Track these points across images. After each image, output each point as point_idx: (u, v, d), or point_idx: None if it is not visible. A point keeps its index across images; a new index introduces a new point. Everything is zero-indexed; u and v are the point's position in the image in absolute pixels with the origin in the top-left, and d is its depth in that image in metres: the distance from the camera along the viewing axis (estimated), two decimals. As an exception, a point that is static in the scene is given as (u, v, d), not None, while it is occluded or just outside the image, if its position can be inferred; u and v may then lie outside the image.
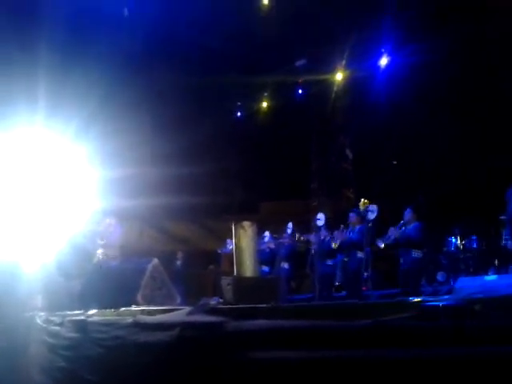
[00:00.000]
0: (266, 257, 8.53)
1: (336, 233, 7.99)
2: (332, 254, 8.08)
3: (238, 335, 1.93)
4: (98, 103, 7.93)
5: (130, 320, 3.30)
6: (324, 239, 8.17)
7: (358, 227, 7.66)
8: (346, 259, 7.81)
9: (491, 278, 5.28)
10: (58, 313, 5.11)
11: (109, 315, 4.21)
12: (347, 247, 7.68)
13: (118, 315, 4.08)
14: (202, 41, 10.28)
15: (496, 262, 7.86)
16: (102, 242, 7.18)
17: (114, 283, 5.30)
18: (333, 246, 7.88)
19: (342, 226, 8.02)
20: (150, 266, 5.24)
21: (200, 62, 10.88)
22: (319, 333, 1.49)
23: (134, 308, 4.28)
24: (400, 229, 7.22)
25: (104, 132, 8.11)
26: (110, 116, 8.49)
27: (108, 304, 4.73)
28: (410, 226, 7.18)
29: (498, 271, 7.46)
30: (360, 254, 7.26)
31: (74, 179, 7.11)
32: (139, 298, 4.92)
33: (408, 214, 7.25)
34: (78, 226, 6.94)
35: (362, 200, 7.46)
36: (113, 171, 8.17)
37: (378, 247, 7.34)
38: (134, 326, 3.18)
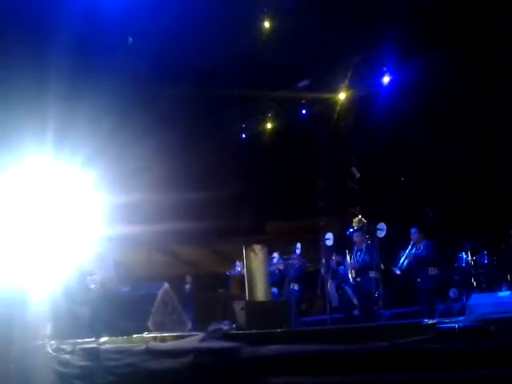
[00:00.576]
0: (275, 278, 8.47)
1: (346, 261, 7.98)
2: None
3: (252, 361, 1.92)
4: (105, 131, 8.02)
5: (142, 347, 3.29)
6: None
7: (364, 246, 7.63)
8: (358, 279, 7.74)
9: (504, 294, 5.22)
10: (68, 341, 5.09)
11: (120, 342, 4.19)
12: (359, 269, 7.62)
13: (130, 342, 4.06)
14: (205, 63, 10.41)
15: (508, 277, 7.77)
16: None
17: (124, 309, 5.28)
18: (349, 274, 7.83)
19: (346, 251, 7.99)
20: (160, 292, 5.23)
21: (203, 84, 10.99)
22: (335, 357, 1.48)
23: (145, 335, 4.26)
24: (410, 252, 7.21)
25: (111, 159, 8.18)
26: (116, 143, 8.58)
27: (119, 331, 4.71)
28: (421, 246, 7.14)
29: (510, 287, 7.36)
30: (372, 274, 7.21)
31: (82, 206, 7.16)
32: (150, 324, 4.90)
33: (415, 234, 7.22)
34: (86, 253, 6.96)
35: (357, 218, 7.48)
36: (120, 197, 8.22)
37: (395, 273, 7.32)
38: (147, 353, 3.17)
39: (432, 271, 6.96)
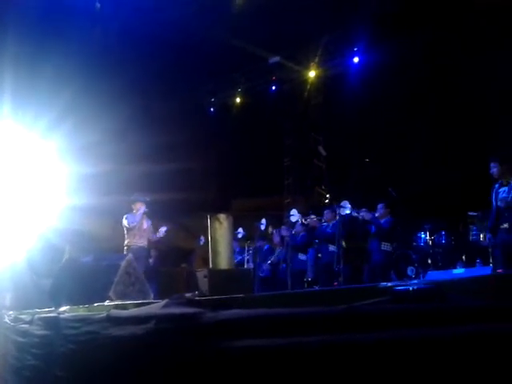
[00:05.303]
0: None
1: (309, 219, 8.14)
2: (304, 249, 8.18)
3: (215, 325, 1.94)
4: (70, 98, 7.81)
5: (103, 315, 3.27)
6: (297, 234, 8.26)
7: (332, 223, 7.79)
8: (319, 255, 7.92)
9: (459, 271, 5.46)
10: (27, 311, 5.01)
11: (81, 311, 4.16)
12: (320, 240, 7.81)
13: (91, 311, 4.03)
14: (174, 37, 10.20)
15: (463, 256, 8.10)
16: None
17: (86, 280, 5.23)
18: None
19: (314, 216, 8.16)
20: (123, 262, 5.19)
21: (173, 57, 10.79)
22: (294, 320, 1.52)
23: (107, 303, 4.24)
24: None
25: (76, 127, 8.00)
26: (83, 111, 8.37)
27: (80, 301, 4.67)
28: (382, 220, 7.36)
29: (465, 265, 7.68)
30: (332, 248, 7.39)
31: (45, 175, 6.99)
32: (112, 294, 4.88)
33: (381, 209, 7.43)
34: (49, 223, 6.83)
35: (327, 195, 7.63)
36: (85, 167, 8.08)
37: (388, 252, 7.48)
38: (107, 321, 3.15)
39: (385, 247, 7.19)
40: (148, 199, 8.14)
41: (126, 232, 7.98)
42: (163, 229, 8.03)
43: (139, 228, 7.93)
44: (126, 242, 7.92)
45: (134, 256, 7.50)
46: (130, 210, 8.27)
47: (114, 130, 9.14)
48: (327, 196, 7.88)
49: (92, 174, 8.16)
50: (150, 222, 8.24)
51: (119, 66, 9.66)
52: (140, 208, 7.97)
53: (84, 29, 8.84)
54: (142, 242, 7.97)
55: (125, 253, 7.65)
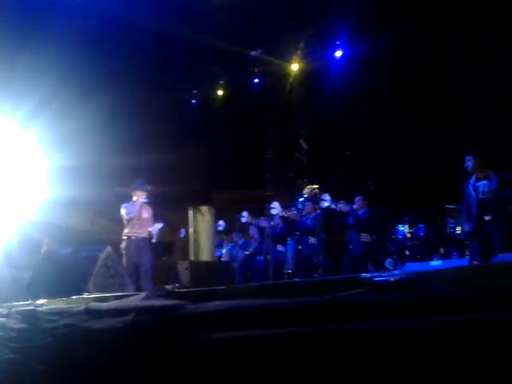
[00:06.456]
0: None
1: (290, 212, 8.18)
2: (283, 240, 8.23)
3: (195, 317, 1.93)
4: (50, 88, 7.65)
5: (81, 307, 3.23)
6: (276, 226, 8.30)
7: (312, 215, 7.84)
8: (299, 247, 7.97)
9: (435, 263, 5.55)
10: (3, 304, 4.93)
11: (59, 304, 4.10)
12: (301, 232, 7.86)
13: (69, 304, 3.98)
14: (157, 27, 10.09)
15: (441, 249, 8.24)
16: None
17: (65, 272, 5.16)
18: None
19: (294, 209, 8.20)
20: (103, 255, 5.12)
21: (155, 48, 10.68)
22: (276, 311, 1.52)
23: (85, 296, 4.19)
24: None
25: (55, 118, 7.85)
26: (63, 101, 8.22)
27: (58, 294, 4.61)
28: (360, 212, 7.46)
29: (442, 258, 7.82)
30: (312, 240, 7.45)
31: (24, 166, 6.86)
32: (91, 286, 4.81)
33: (358, 201, 7.52)
34: (28, 216, 6.71)
35: (308, 186, 7.68)
36: (65, 159, 7.94)
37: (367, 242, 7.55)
38: (86, 314, 3.11)
39: (364, 238, 7.29)
40: (149, 188, 7.87)
41: (125, 222, 7.65)
42: (158, 225, 7.77)
43: (139, 217, 7.60)
44: (125, 232, 7.58)
45: (136, 248, 7.38)
46: (108, 203, 8.11)
47: (95, 121, 9.01)
48: (305, 189, 7.91)
49: (72, 166, 8.01)
50: (151, 211, 7.90)
51: (100, 57, 9.53)
52: (140, 197, 7.68)
53: (64, 17, 8.67)
54: (143, 233, 7.61)
55: (123, 244, 7.44)
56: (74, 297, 4.12)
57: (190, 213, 4.79)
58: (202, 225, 4.64)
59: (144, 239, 7.62)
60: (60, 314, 3.74)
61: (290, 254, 8.27)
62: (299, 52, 11.41)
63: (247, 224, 9.49)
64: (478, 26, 8.33)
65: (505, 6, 7.87)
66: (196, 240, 4.58)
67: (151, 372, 2.28)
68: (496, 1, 8.24)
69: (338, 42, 10.81)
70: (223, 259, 9.15)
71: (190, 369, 1.91)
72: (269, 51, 11.70)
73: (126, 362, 2.61)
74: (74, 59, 8.67)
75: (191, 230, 4.67)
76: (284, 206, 8.85)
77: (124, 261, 7.20)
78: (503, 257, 3.88)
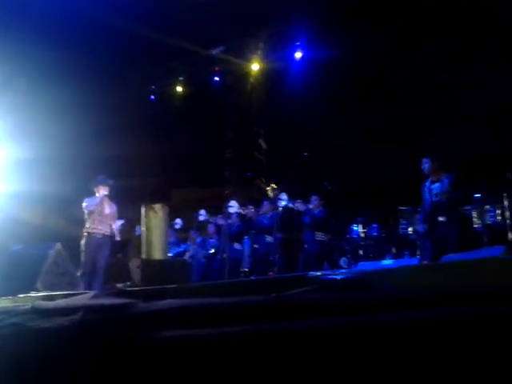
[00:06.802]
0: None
1: (247, 210, 8.21)
2: (239, 238, 8.25)
3: (144, 316, 1.90)
4: (8, 76, 7.34)
5: (28, 306, 3.13)
6: (233, 224, 8.31)
7: (270, 214, 7.90)
8: (256, 246, 8.00)
9: (387, 262, 5.71)
10: None
11: (5, 303, 3.96)
12: (257, 230, 7.90)
13: (15, 302, 3.85)
14: (117, 20, 9.87)
15: (393, 248, 8.48)
16: None
17: (14, 269, 4.97)
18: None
19: (252, 207, 8.23)
20: (52, 252, 4.96)
21: (114, 42, 10.45)
22: (224, 310, 1.52)
23: (33, 294, 4.06)
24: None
25: (10, 108, 7.54)
26: (17, 92, 7.91)
27: (4, 291, 4.45)
28: (316, 211, 7.57)
29: (394, 257, 8.04)
30: (269, 239, 7.51)
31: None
32: (39, 284, 4.66)
33: (315, 201, 7.63)
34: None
35: (271, 186, 7.71)
36: (20, 152, 7.66)
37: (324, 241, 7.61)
38: (33, 313, 3.02)
39: (319, 236, 7.41)
40: (111, 182, 7.66)
41: (86, 217, 7.44)
42: (119, 222, 7.57)
43: (100, 213, 7.40)
44: (85, 227, 7.37)
45: (96, 244, 7.15)
46: (62, 198, 7.88)
47: (52, 113, 8.73)
48: (267, 188, 7.94)
49: (27, 160, 7.72)
50: (114, 208, 7.73)
51: (59, 47, 9.24)
52: (101, 191, 7.49)
53: (25, 6, 8.36)
54: (103, 229, 7.42)
55: (83, 240, 7.23)
56: (21, 295, 4.00)
57: (143, 210, 4.72)
58: (154, 222, 4.58)
59: (104, 236, 7.43)
60: (6, 313, 3.60)
61: (246, 252, 8.30)
62: (259, 52, 11.44)
63: (205, 222, 9.45)
64: (440, 27, 8.53)
65: (466, 7, 8.09)
66: (148, 238, 4.52)
67: (100, 372, 2.23)
68: (458, 1, 8.45)
69: (297, 43, 10.90)
70: (186, 257, 9.04)
71: (139, 368, 1.88)
72: (229, 50, 11.68)
73: (75, 361, 2.55)
74: (32, 48, 8.37)
75: (143, 228, 4.60)
76: (242, 205, 8.87)
77: (82, 258, 7.00)
78: (451, 257, 4.01)
